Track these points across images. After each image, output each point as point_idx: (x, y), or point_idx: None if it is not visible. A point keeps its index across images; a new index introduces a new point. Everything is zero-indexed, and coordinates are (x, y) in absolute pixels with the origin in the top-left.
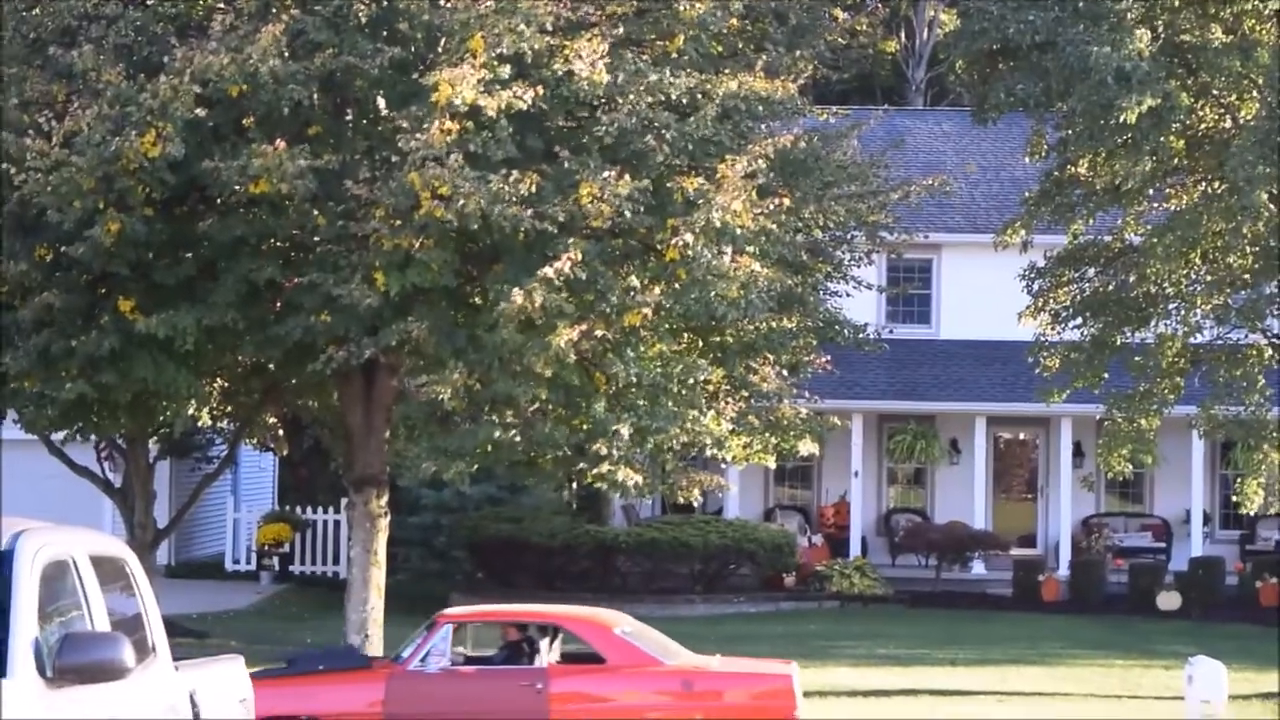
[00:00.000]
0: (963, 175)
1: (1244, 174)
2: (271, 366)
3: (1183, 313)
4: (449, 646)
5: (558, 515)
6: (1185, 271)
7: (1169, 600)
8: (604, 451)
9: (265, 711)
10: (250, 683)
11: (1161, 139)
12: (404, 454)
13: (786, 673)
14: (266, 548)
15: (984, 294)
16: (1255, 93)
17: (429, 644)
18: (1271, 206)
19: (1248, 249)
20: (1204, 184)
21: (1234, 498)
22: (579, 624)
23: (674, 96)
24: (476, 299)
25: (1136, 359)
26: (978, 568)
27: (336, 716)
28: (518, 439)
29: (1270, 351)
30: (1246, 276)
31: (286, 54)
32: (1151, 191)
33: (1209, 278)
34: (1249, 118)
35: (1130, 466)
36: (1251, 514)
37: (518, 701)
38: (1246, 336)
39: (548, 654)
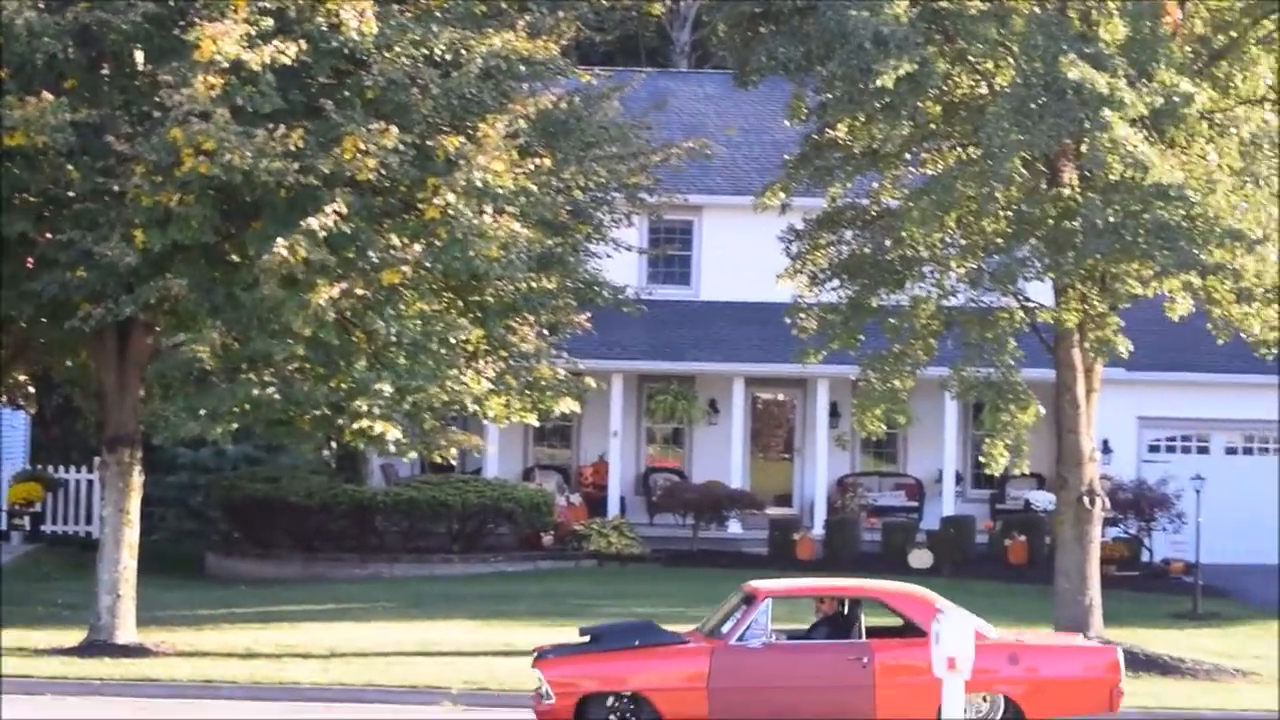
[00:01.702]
0: (725, 138)
1: (998, 140)
2: (23, 323)
3: (937, 276)
4: (769, 621)
5: (316, 475)
6: (940, 235)
7: (921, 558)
8: (363, 409)
9: (588, 688)
10: None
11: (919, 104)
12: (160, 413)
13: (1113, 648)
14: (17, 507)
15: (744, 256)
16: (1010, 60)
17: (750, 619)
18: (1024, 172)
19: (1001, 214)
20: (960, 149)
21: (981, 459)
22: (901, 598)
23: (437, 52)
24: (235, 256)
25: (891, 321)
26: (734, 527)
27: (660, 691)
28: (276, 398)
29: (1021, 314)
30: (1000, 241)
31: (41, 6)
32: (909, 156)
33: (963, 241)
34: (1004, 84)
35: (884, 427)
36: (998, 475)
37: (843, 675)
38: (999, 299)
39: (862, 627)
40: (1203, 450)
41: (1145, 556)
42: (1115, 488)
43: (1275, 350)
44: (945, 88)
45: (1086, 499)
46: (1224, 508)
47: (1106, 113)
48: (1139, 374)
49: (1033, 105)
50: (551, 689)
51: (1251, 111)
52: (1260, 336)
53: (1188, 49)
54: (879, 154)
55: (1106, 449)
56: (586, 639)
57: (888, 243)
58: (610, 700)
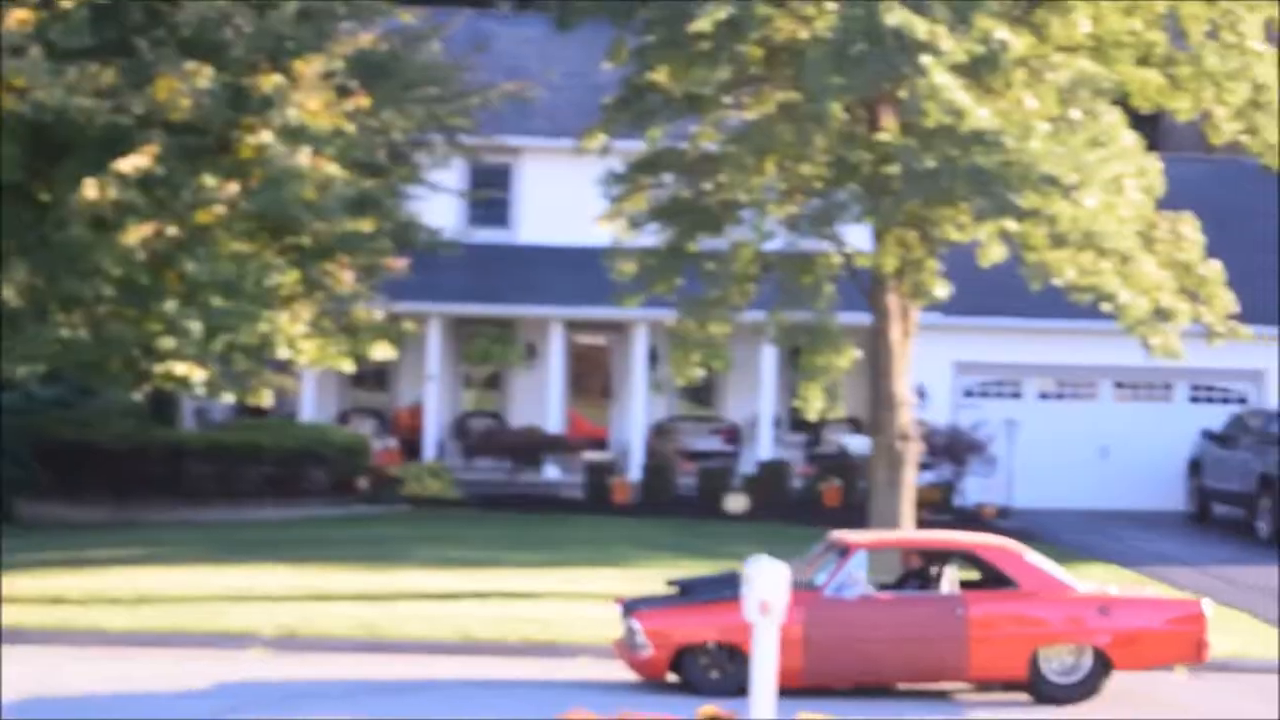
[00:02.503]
0: (546, 81)
1: (818, 85)
2: None
3: (756, 220)
4: (864, 572)
5: (127, 418)
6: (759, 180)
7: (737, 502)
8: (172, 349)
9: (683, 639)
10: None
11: (738, 48)
12: None
13: (1197, 600)
14: None
15: (565, 199)
16: (830, 4)
17: (844, 570)
18: (844, 117)
19: (820, 159)
20: (780, 93)
21: (797, 403)
22: (991, 551)
23: None
24: (45, 196)
25: (709, 266)
26: (552, 471)
27: None
28: (86, 339)
29: (839, 259)
30: (818, 185)
31: None
32: (728, 100)
33: (782, 186)
34: (824, 29)
35: (701, 371)
36: (814, 419)
37: (938, 627)
38: (817, 244)
39: (955, 579)
40: (1016, 395)
41: (958, 501)
42: (930, 432)
43: (1089, 296)
44: (765, 32)
45: (900, 443)
46: (1037, 452)
47: (925, 59)
48: (956, 319)
49: (852, 50)
50: (649, 639)
51: (1068, 59)
52: (1074, 282)
53: None
54: (699, 98)
55: (922, 394)
56: (676, 590)
57: (707, 186)
58: (706, 650)
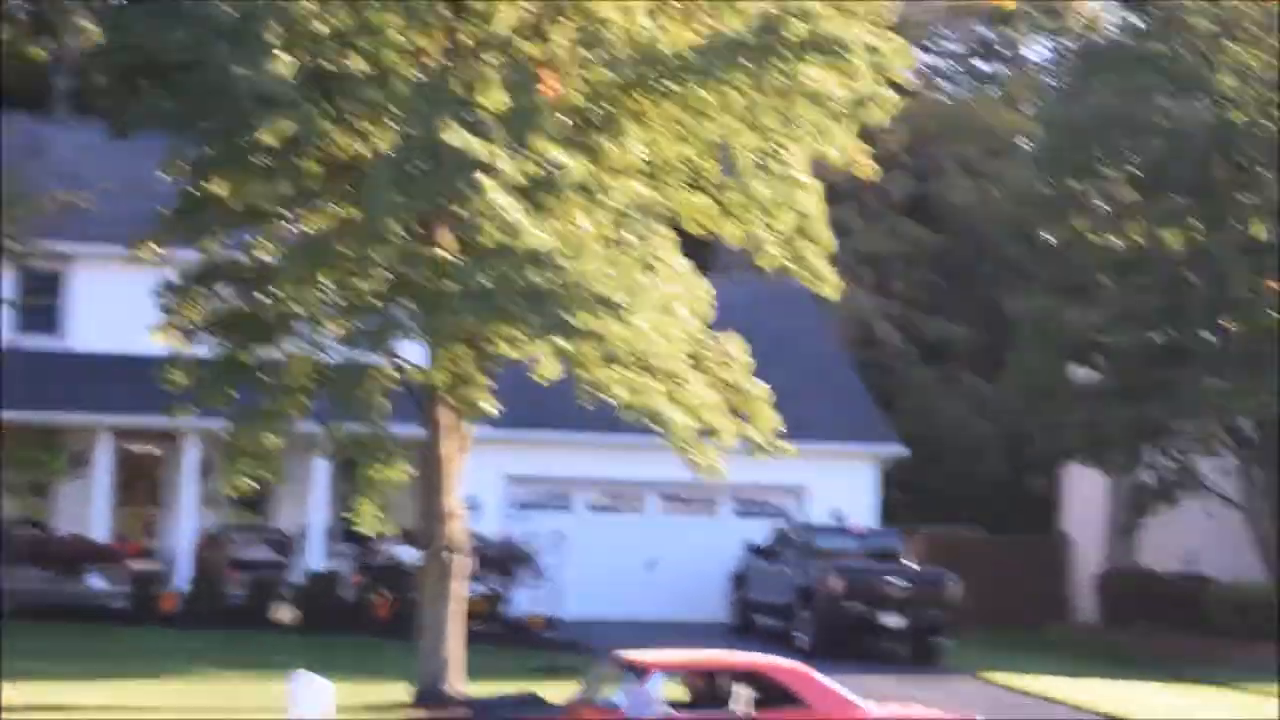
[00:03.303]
0: (104, 188)
1: (377, 201)
2: None
3: (312, 333)
4: (659, 693)
5: None
6: (316, 293)
7: (286, 613)
8: None
9: None
10: None
11: (299, 162)
12: None
13: (972, 713)
14: None
15: (119, 307)
16: (391, 123)
17: (641, 693)
18: (402, 234)
19: (377, 274)
20: (339, 208)
21: (348, 515)
22: (783, 672)
23: None
24: None
25: (263, 377)
26: (98, 581)
27: None
28: None
29: (394, 373)
30: (376, 301)
31: None
32: (288, 213)
33: (340, 301)
34: (385, 147)
35: (252, 484)
36: (369, 534)
37: None
38: (373, 358)
39: (750, 700)
40: (566, 508)
41: (508, 611)
42: (481, 544)
43: (639, 416)
44: (327, 147)
45: (449, 555)
46: (586, 563)
47: (483, 179)
48: (508, 432)
49: (411, 169)
50: None
51: (624, 182)
52: (625, 401)
53: (564, 119)
54: (257, 210)
55: (474, 505)
56: (470, 713)
57: (263, 299)
58: None
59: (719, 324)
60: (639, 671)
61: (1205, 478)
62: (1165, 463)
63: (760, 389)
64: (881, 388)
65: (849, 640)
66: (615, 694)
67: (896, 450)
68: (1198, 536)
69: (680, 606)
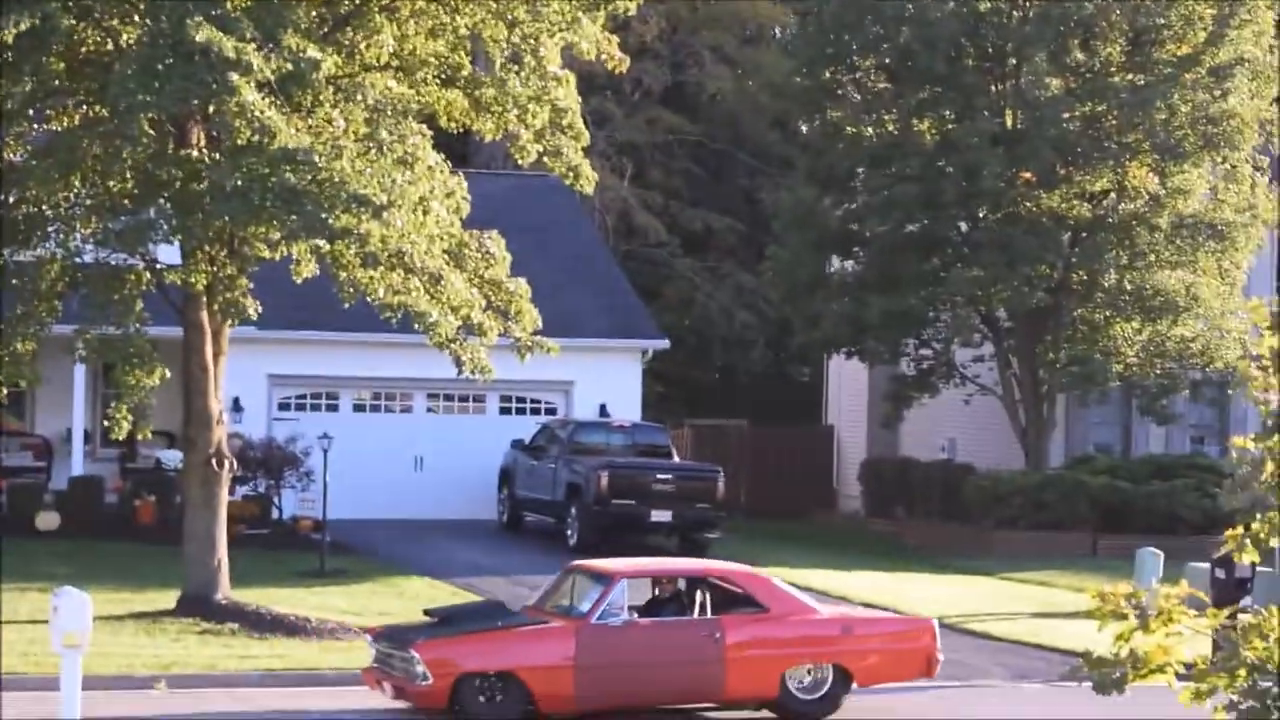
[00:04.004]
0: None
1: (125, 100)
2: None
3: (64, 235)
4: (626, 600)
5: None
6: (66, 194)
7: (48, 520)
8: None
9: (465, 668)
10: None
11: (42, 60)
12: None
13: (929, 619)
14: None
15: None
16: (138, 18)
17: (608, 599)
18: (152, 133)
19: (128, 174)
20: (86, 107)
21: (106, 422)
22: (742, 576)
23: None
24: None
25: (15, 281)
26: None
27: (531, 669)
28: None
29: (149, 275)
30: (127, 201)
31: None
32: (32, 112)
33: (90, 201)
34: (131, 43)
35: (9, 388)
36: (121, 439)
37: (698, 650)
38: (127, 260)
39: (707, 604)
40: (332, 408)
41: (276, 514)
42: (245, 447)
43: (399, 313)
44: (70, 44)
45: (214, 461)
46: (353, 464)
47: (234, 76)
48: (270, 333)
49: (160, 65)
50: (429, 670)
51: (377, 78)
52: (385, 300)
53: (315, 14)
54: (1, 111)
55: (238, 407)
56: (434, 620)
57: (12, 200)
58: (482, 680)
59: (478, 220)
60: (604, 579)
61: (963, 367)
62: (924, 353)
63: (521, 286)
64: (644, 280)
65: (618, 536)
66: (581, 601)
67: (661, 343)
68: (957, 425)
69: (449, 505)
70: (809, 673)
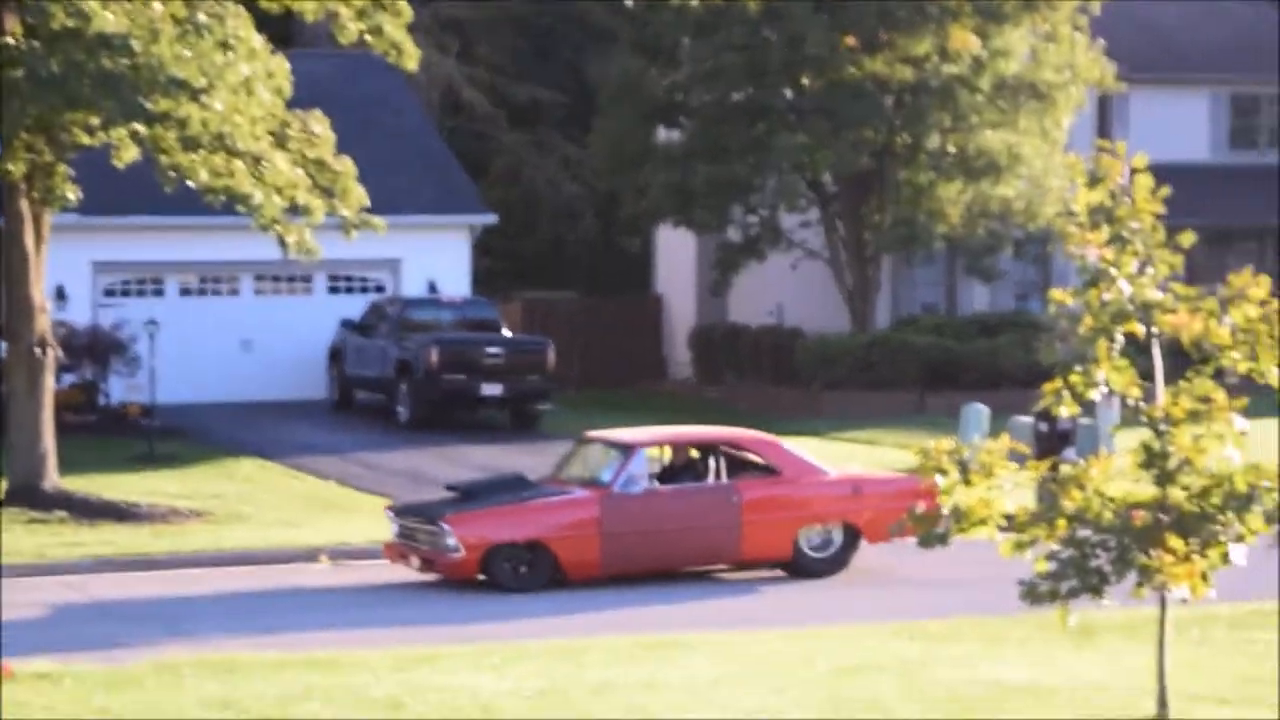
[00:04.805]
0: None
1: None
2: None
3: None
4: (646, 469)
5: None
6: None
7: None
8: None
9: (495, 539)
10: None
11: None
12: None
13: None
14: None
15: None
16: None
17: (628, 469)
18: None
19: None
20: None
21: None
22: (754, 441)
23: None
24: None
25: None
26: None
27: (559, 539)
28: None
29: None
30: None
31: None
32: None
33: None
34: None
35: None
36: None
37: (716, 514)
38: None
39: (722, 469)
40: (158, 293)
41: (103, 401)
42: (70, 334)
43: (223, 196)
44: None
45: (38, 350)
46: (181, 348)
47: None
48: (93, 219)
49: None
50: (461, 543)
51: None
52: (208, 183)
53: None
54: None
55: (62, 295)
56: (456, 495)
57: None
58: (511, 550)
59: (302, 101)
60: (624, 449)
61: (790, 233)
62: (751, 220)
63: (346, 165)
64: (471, 155)
65: (449, 412)
66: (602, 471)
67: (488, 219)
68: (784, 290)
69: (279, 386)
70: (820, 532)
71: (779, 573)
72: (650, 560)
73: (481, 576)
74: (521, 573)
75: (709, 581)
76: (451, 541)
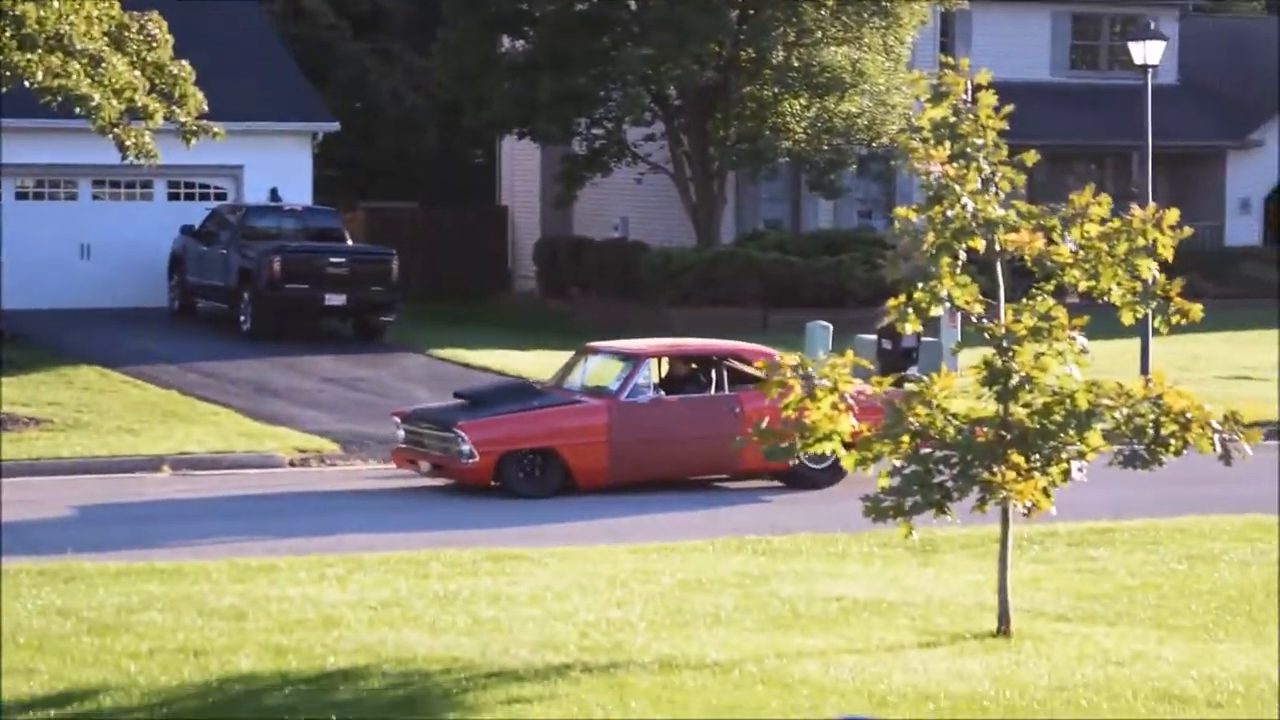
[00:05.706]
0: None
1: None
2: None
3: None
4: (652, 378)
5: None
6: None
7: None
8: None
9: (509, 446)
10: None
11: None
12: None
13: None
14: None
15: None
16: None
17: (635, 378)
18: None
19: None
20: None
21: None
22: (753, 353)
23: None
24: None
25: None
26: None
27: (569, 446)
28: None
29: None
30: None
31: None
32: None
33: None
34: None
35: None
36: None
37: (718, 423)
38: None
39: (724, 380)
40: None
41: None
42: None
43: (59, 97)
44: None
45: None
46: (19, 253)
47: None
48: None
49: None
50: (475, 449)
51: None
52: (44, 83)
53: None
54: None
55: None
56: (465, 402)
57: None
58: (523, 456)
59: (141, 3)
60: (630, 359)
61: (635, 146)
62: (596, 132)
63: (185, 69)
64: (313, 63)
65: (292, 322)
66: (610, 381)
67: (330, 126)
68: (629, 204)
69: (118, 293)
70: None
71: (777, 483)
72: (655, 469)
73: (494, 482)
74: (533, 478)
75: (713, 490)
76: (466, 448)
